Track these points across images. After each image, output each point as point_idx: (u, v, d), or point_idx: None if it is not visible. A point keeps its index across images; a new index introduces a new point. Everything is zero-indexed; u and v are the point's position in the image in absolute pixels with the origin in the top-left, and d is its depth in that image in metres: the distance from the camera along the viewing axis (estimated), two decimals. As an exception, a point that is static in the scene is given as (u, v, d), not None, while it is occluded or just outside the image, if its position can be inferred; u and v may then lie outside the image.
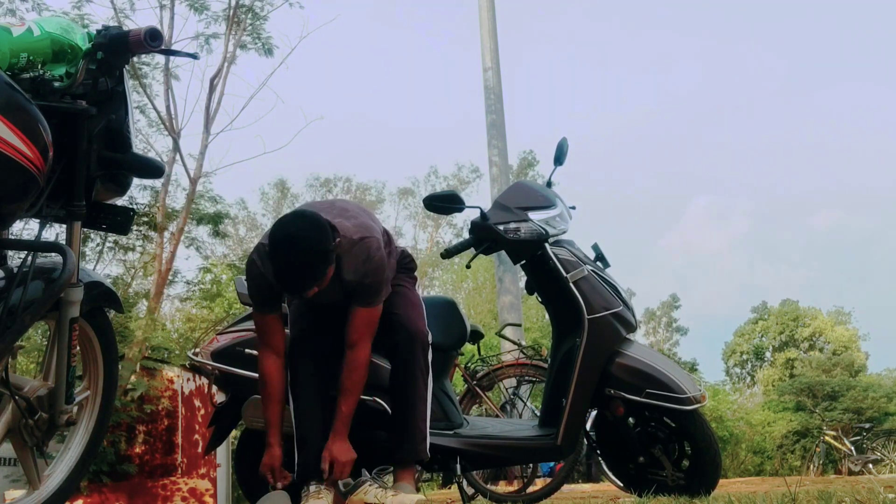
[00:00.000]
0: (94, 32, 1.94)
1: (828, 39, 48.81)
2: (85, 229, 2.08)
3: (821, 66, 48.24)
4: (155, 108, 8.79)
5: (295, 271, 2.38)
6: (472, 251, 3.09)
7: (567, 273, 2.90)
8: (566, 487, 4.96)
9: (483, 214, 2.98)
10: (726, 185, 45.86)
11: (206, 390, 6.90)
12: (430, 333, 2.69)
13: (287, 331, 2.70)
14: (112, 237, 7.99)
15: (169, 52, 3.33)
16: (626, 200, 43.31)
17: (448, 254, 3.23)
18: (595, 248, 3.13)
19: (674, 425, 2.91)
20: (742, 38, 47.07)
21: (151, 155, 8.14)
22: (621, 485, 3.13)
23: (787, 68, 47.52)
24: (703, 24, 46.87)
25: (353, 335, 2.57)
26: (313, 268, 2.37)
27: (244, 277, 2.95)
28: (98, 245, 8.28)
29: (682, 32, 47.33)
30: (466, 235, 3.12)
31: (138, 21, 8.90)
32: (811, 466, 14.03)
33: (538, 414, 3.41)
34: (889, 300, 40.24)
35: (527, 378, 4.92)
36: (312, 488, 2.50)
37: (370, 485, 2.47)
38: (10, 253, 1.89)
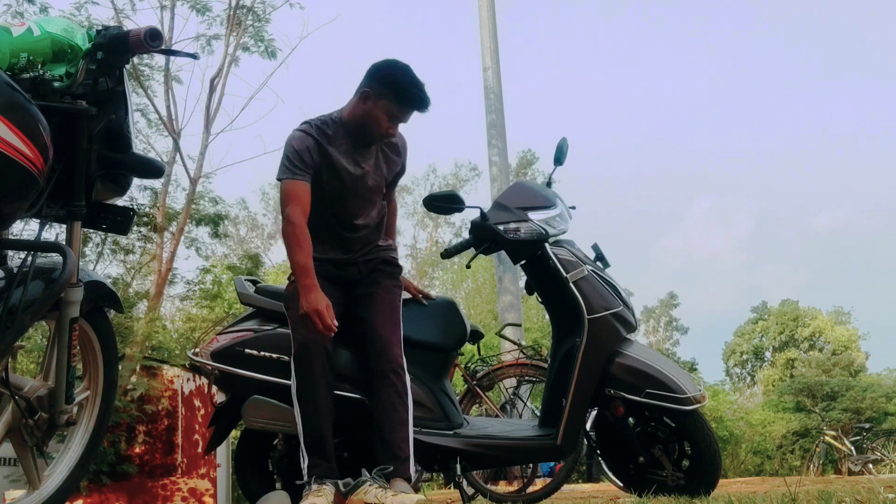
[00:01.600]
0: (95, 32, 1.94)
1: (833, 41, 48.82)
2: (85, 229, 2.08)
3: (826, 67, 48.29)
4: (155, 109, 8.78)
5: (427, 94, 2.75)
6: (472, 251, 3.09)
7: (567, 273, 2.90)
8: (566, 487, 4.96)
9: (483, 214, 2.98)
10: (730, 186, 45.93)
11: (206, 390, 6.90)
12: (403, 357, 2.72)
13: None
14: (112, 237, 7.98)
15: (169, 53, 3.34)
16: (628, 200, 43.36)
17: (448, 254, 3.23)
18: (595, 248, 3.13)
19: (674, 425, 2.91)
20: (747, 39, 47.13)
21: (152, 155, 8.13)
22: (621, 485, 3.13)
23: (793, 69, 47.49)
24: (708, 23, 46.91)
25: (391, 220, 3.09)
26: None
27: (244, 277, 3.08)
28: (98, 245, 8.28)
29: (688, 32, 47.35)
30: (466, 235, 3.12)
31: (138, 21, 8.90)
32: (811, 466, 14.02)
33: (538, 414, 3.41)
34: (891, 300, 40.27)
35: (527, 378, 4.92)
36: (314, 486, 2.51)
37: (370, 485, 2.47)
38: (10, 253, 1.88)
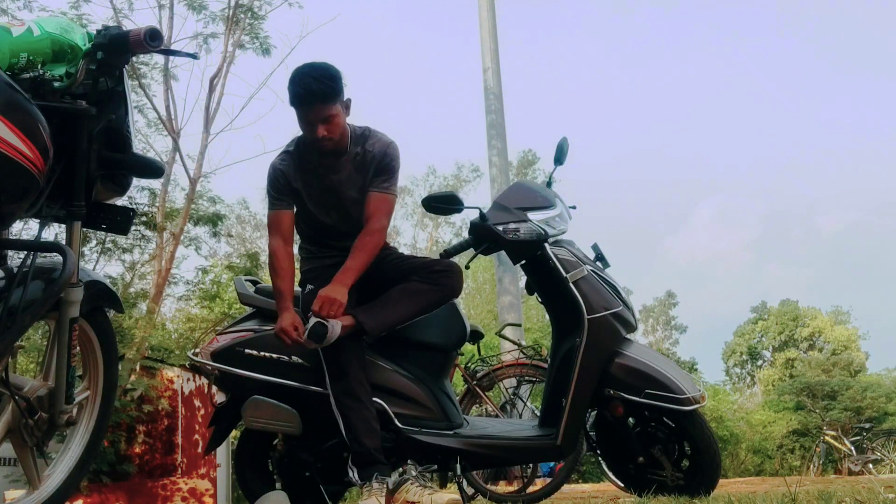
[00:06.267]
0: (94, 32, 1.94)
1: (842, 42, 48.83)
2: (85, 229, 2.08)
3: (834, 68, 48.27)
4: (154, 109, 8.77)
5: (310, 83, 2.62)
6: (471, 251, 3.09)
7: (567, 273, 2.90)
8: (566, 487, 4.96)
9: (482, 215, 2.97)
10: (737, 186, 45.92)
11: (206, 390, 6.91)
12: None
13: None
14: (111, 238, 7.98)
15: (169, 52, 3.33)
16: (634, 201, 43.38)
17: (447, 254, 3.22)
18: (595, 248, 3.13)
19: (673, 425, 2.91)
20: (754, 39, 47.15)
21: (151, 155, 8.13)
22: (621, 485, 3.13)
23: (800, 70, 47.52)
24: (713, 24, 46.91)
25: (369, 213, 2.79)
26: (325, 83, 2.63)
27: (244, 277, 3.07)
28: (97, 245, 8.27)
29: (694, 31, 47.35)
30: (466, 235, 3.12)
31: (137, 21, 8.89)
32: (811, 466, 14.03)
33: (538, 414, 3.41)
34: (893, 301, 40.25)
35: (527, 378, 4.91)
36: (375, 485, 2.54)
37: (411, 483, 2.50)
38: (10, 253, 1.89)
